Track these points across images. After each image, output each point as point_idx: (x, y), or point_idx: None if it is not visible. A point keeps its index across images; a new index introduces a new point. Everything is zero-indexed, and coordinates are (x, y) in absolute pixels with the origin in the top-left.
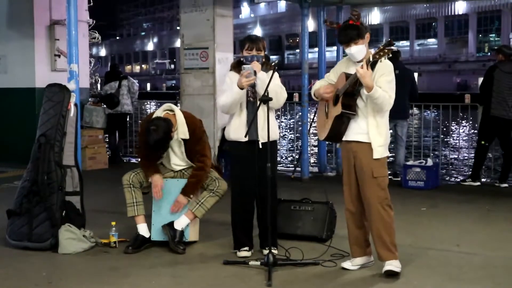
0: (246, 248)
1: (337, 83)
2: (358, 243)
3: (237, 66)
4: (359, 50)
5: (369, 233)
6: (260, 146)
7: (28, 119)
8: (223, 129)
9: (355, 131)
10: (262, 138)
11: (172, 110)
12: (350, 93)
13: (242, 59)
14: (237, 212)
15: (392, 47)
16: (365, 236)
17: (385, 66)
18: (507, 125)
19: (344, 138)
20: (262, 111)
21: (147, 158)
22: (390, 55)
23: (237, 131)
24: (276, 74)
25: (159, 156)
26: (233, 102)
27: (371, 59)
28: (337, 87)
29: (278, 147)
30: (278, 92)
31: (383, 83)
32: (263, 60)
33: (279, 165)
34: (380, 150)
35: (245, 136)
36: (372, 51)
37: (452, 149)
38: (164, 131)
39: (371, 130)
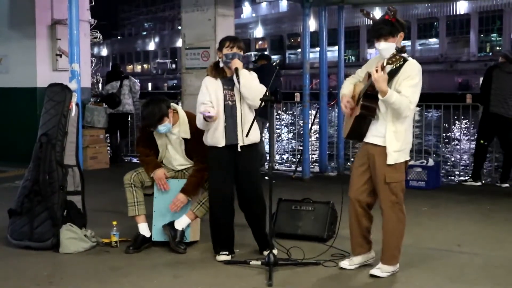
0: (226, 252)
1: (363, 81)
2: (356, 240)
3: (214, 70)
4: (387, 47)
5: (370, 232)
6: (239, 150)
7: (30, 118)
8: None
9: (373, 133)
10: (242, 141)
11: (174, 109)
12: (371, 95)
13: (223, 57)
14: (215, 217)
15: (404, 55)
16: (364, 234)
17: (412, 67)
18: (506, 124)
19: (364, 139)
20: (240, 114)
21: (147, 154)
22: (402, 63)
23: (214, 136)
24: (252, 73)
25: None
26: (204, 126)
27: (384, 64)
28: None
29: (277, 146)
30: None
31: (405, 87)
32: (242, 58)
33: (280, 165)
34: (395, 156)
35: (225, 142)
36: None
37: (453, 149)
38: (160, 99)
39: (388, 135)
